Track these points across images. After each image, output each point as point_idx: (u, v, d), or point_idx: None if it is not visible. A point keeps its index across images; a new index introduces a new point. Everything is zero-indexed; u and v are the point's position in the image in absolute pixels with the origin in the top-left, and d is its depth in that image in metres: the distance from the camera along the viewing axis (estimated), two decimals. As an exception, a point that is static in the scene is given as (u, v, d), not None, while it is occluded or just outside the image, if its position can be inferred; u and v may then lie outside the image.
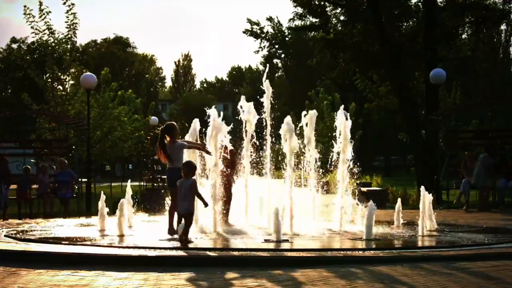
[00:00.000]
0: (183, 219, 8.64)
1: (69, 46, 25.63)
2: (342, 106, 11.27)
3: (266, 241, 8.83)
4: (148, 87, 79.19)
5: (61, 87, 27.03)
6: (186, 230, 8.60)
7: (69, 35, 25.26)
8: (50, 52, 25.66)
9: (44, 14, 24.48)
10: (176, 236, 9.14)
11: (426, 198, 9.96)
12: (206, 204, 9.08)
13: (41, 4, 24.38)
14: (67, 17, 24.77)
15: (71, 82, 27.17)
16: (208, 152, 10.48)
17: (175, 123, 10.71)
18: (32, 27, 24.66)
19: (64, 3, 24.56)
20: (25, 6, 24.29)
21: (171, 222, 9.80)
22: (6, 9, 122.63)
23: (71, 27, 24.98)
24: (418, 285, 5.80)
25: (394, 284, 5.86)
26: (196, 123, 11.20)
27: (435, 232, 10.04)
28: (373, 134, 47.97)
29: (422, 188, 10.13)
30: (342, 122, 10.85)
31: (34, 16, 24.51)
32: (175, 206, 9.31)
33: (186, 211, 8.64)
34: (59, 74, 26.33)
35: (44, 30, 24.95)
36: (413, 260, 7.19)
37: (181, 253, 7.88)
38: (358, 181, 19.16)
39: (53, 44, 25.54)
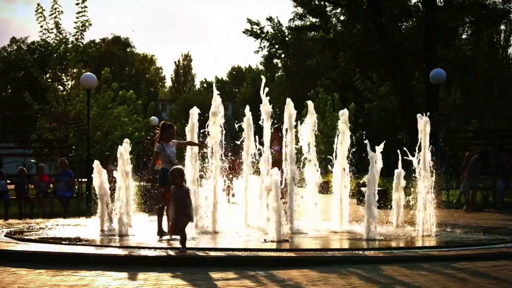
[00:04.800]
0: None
1: (69, 46, 25.55)
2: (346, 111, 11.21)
3: (266, 241, 8.84)
4: (148, 87, 79.17)
5: (61, 87, 26.98)
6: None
7: (77, 36, 25.20)
8: (51, 52, 25.59)
9: (56, 12, 24.40)
10: (165, 237, 9.25)
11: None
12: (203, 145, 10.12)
13: (55, 2, 24.29)
14: (77, 17, 24.73)
15: (72, 82, 27.09)
16: (202, 146, 10.43)
17: (166, 123, 10.36)
18: (41, 26, 24.59)
19: (77, 4, 24.50)
20: (38, 5, 24.22)
21: (160, 223, 9.72)
22: (6, 9, 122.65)
23: (80, 28, 24.88)
24: (418, 285, 5.79)
25: (394, 284, 5.86)
26: (194, 115, 10.79)
27: (435, 232, 10.02)
28: (373, 134, 47.88)
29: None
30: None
31: (45, 17, 24.44)
32: (163, 206, 9.55)
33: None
34: (60, 74, 26.27)
35: (52, 29, 24.88)
36: (413, 260, 7.19)
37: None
38: (358, 181, 19.14)
39: (53, 44, 25.47)
